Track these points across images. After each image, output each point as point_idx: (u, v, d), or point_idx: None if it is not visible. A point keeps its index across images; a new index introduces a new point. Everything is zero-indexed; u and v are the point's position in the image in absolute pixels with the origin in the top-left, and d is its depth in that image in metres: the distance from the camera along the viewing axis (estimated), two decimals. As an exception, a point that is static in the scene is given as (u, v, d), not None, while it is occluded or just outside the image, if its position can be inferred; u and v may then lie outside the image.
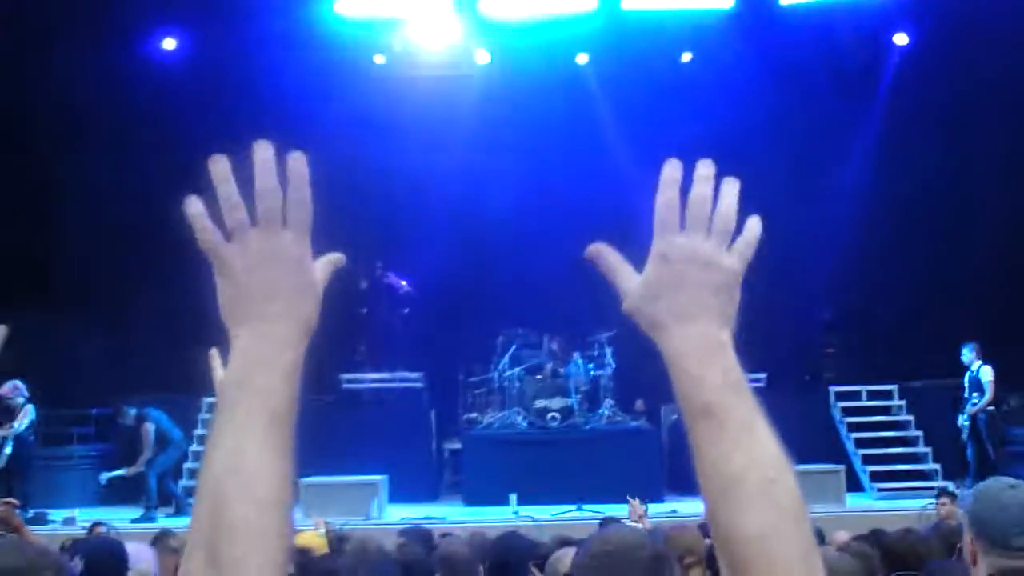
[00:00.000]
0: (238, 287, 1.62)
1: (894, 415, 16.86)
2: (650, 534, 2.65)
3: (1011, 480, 3.30)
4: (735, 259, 1.78)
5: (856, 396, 17.08)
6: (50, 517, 14.44)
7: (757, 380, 17.38)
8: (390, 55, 18.84)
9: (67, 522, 13.70)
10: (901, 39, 19.01)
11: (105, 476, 15.30)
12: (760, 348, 17.37)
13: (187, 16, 18.46)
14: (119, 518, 13.37)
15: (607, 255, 1.91)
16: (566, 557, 5.32)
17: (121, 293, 17.68)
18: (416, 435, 16.81)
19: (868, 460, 16.02)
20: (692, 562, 4.66)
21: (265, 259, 1.62)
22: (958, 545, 5.70)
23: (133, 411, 15.28)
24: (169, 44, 18.73)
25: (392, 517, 13.71)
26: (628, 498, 11.78)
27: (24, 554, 2.03)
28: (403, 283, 17.49)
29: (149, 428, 15.12)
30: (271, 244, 1.62)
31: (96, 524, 10.16)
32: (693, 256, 1.73)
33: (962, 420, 15.71)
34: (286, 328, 1.64)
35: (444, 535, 7.97)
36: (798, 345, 18.51)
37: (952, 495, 11.47)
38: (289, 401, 1.60)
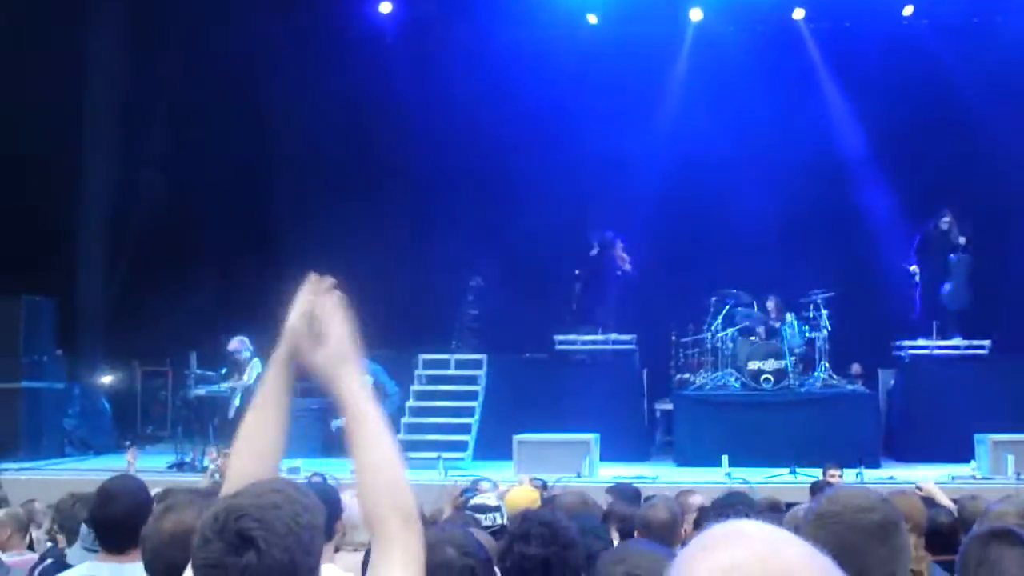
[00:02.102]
0: None
1: None
2: (883, 500, 2.59)
3: None
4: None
5: (1090, 361, 16.30)
6: (276, 467, 15.04)
7: (980, 347, 16.79)
8: (602, 14, 18.81)
9: (291, 472, 14.24)
10: None
11: (335, 423, 15.80)
12: (984, 314, 16.88)
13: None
14: (340, 468, 13.84)
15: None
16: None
17: (342, 251, 18.22)
18: (628, 395, 16.86)
19: (1103, 428, 15.27)
20: (907, 528, 4.56)
21: None
22: None
23: None
24: (385, 7, 19.09)
25: (603, 476, 13.78)
26: (824, 470, 11.61)
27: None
28: (626, 258, 17.43)
29: (367, 380, 15.53)
30: None
31: (314, 474, 10.56)
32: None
33: None
34: None
35: (683, 492, 8.04)
36: (1026, 309, 17.79)
37: None
38: None
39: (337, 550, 4.78)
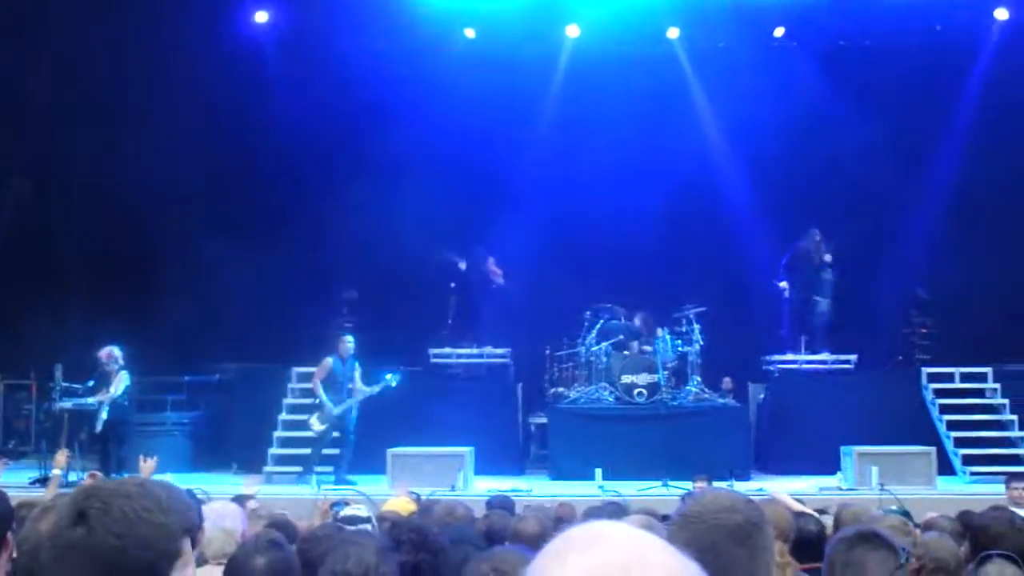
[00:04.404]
0: None
1: (988, 398, 16.55)
2: (748, 502, 2.61)
3: None
4: None
5: (949, 378, 16.78)
6: (144, 482, 14.71)
7: (847, 362, 17.19)
8: (479, 28, 18.84)
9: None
10: (1002, 14, 18.61)
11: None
12: (851, 329, 17.30)
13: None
14: (209, 482, 13.60)
15: None
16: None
17: (215, 263, 17.95)
18: (503, 409, 16.85)
19: (960, 443, 15.73)
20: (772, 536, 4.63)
21: None
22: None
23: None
24: (261, 16, 18.85)
25: (477, 489, 13.76)
26: (694, 482, 11.82)
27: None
28: (499, 272, 17.49)
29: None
30: None
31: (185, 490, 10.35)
32: None
33: None
34: None
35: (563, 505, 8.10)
36: (891, 325, 18.26)
37: (1021, 477, 11.26)
38: None
39: (205, 563, 4.69)
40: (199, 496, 7.73)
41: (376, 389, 15.45)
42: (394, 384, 15.51)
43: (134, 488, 2.15)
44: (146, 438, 16.12)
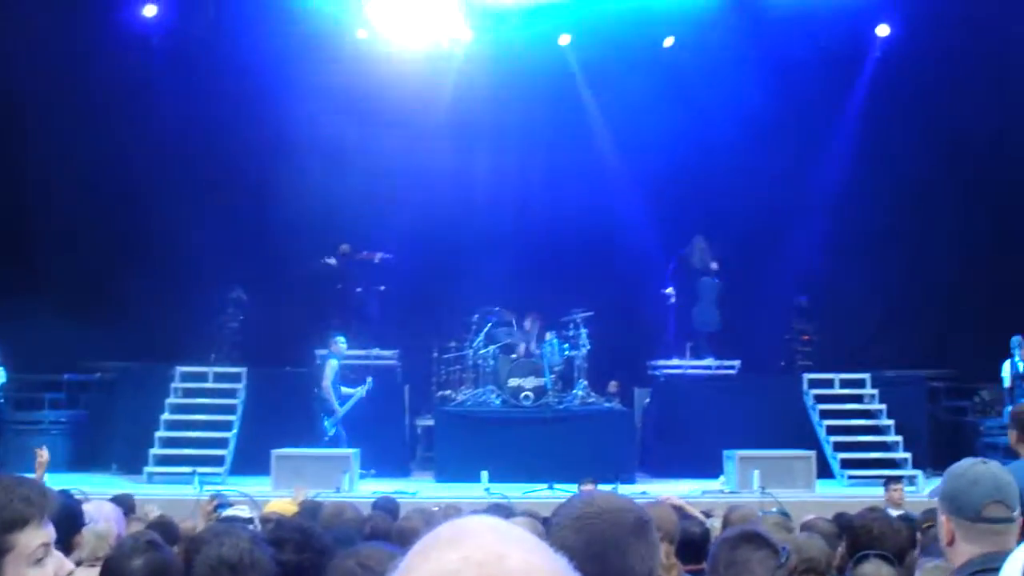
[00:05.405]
0: None
1: (866, 404, 16.92)
2: (632, 501, 2.65)
3: (981, 458, 3.35)
4: None
5: (829, 384, 17.12)
6: (19, 482, 14.32)
7: (730, 367, 17.45)
8: (372, 31, 18.73)
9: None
10: (883, 30, 19.08)
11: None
12: (735, 335, 17.55)
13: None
14: (87, 482, 13.31)
15: None
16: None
17: (98, 259, 17.60)
18: (389, 411, 16.77)
19: (839, 447, 16.07)
20: (659, 537, 4.67)
21: None
22: (920, 534, 5.77)
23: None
24: (149, 11, 18.53)
25: (363, 491, 13.66)
26: (580, 485, 11.88)
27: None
28: (378, 255, 17.44)
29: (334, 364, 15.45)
30: None
31: (60, 490, 10.10)
32: None
33: None
34: None
35: (448, 507, 8.10)
36: (773, 332, 18.58)
37: (899, 480, 11.73)
38: None
39: (79, 564, 4.58)
40: (77, 497, 7.55)
41: (363, 391, 15.55)
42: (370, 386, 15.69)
43: None
44: (22, 436, 15.73)
